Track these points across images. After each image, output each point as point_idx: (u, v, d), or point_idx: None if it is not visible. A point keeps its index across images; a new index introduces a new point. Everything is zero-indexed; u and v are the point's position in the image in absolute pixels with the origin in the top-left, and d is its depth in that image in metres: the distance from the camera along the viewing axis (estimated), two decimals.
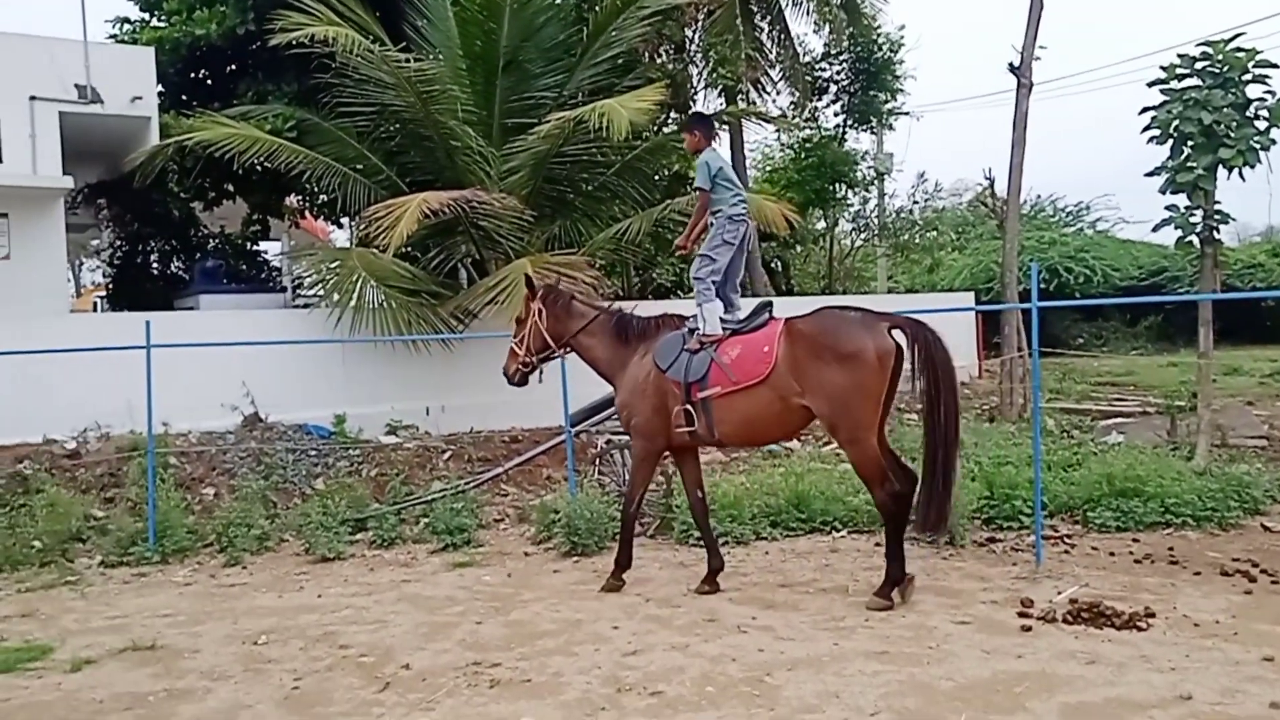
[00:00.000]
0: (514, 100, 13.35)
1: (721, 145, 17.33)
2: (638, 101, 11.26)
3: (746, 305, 7.02)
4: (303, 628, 6.30)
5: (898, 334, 6.19)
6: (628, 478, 9.14)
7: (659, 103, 11.81)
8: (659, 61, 16.04)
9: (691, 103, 17.51)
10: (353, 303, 11.45)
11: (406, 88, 11.91)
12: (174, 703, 5.04)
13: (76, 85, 12.27)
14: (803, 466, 10.06)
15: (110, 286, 17.38)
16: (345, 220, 19.22)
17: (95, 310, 20.75)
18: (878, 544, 7.97)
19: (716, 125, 7.31)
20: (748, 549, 8.04)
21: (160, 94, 13.49)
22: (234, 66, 15.47)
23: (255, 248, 17.62)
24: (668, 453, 7.14)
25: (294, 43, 11.20)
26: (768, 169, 22.31)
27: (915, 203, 20.09)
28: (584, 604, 6.65)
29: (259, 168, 13.22)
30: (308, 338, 11.40)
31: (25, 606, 7.03)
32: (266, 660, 5.67)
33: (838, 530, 8.44)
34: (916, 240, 20.09)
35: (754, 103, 17.97)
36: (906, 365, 6.21)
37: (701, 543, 7.94)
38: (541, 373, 7.33)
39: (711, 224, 6.85)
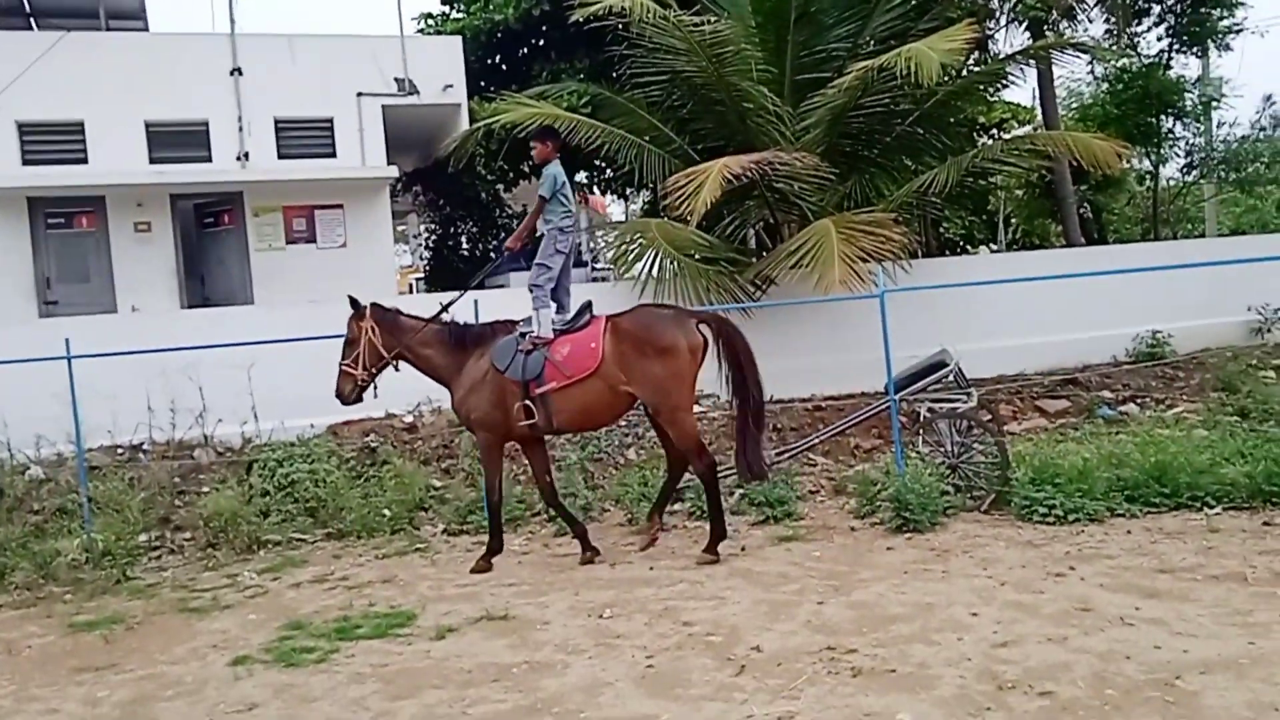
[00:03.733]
0: (805, 55, 12.83)
1: (1028, 84, 16.01)
2: (947, 42, 10.44)
3: None
4: (642, 601, 6.28)
5: (704, 328, 7.26)
6: (952, 447, 8.63)
7: (971, 40, 10.90)
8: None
9: (993, 40, 16.17)
10: (655, 273, 11.49)
11: (699, 52, 11.70)
12: (536, 676, 5.11)
13: (396, 79, 13.10)
14: (1146, 433, 9.02)
15: (427, 268, 18.63)
16: (629, 192, 19.58)
17: (411, 291, 22.41)
18: (1266, 523, 6.96)
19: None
20: (1105, 527, 7.22)
21: None
22: (527, 49, 16.01)
23: None
24: (519, 444, 7.91)
25: (587, 19, 11.31)
26: (1073, 105, 20.28)
27: (1263, 129, 17.49)
28: (930, 585, 6.20)
29: None
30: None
31: (385, 572, 7.54)
32: (615, 635, 5.67)
33: (1210, 506, 7.40)
34: (1265, 172, 17.47)
35: (1063, 34, 16.31)
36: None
37: (1048, 519, 7.39)
38: (376, 387, 7.68)
39: (543, 235, 7.60)
